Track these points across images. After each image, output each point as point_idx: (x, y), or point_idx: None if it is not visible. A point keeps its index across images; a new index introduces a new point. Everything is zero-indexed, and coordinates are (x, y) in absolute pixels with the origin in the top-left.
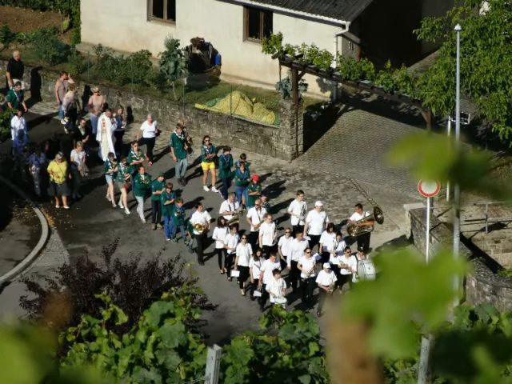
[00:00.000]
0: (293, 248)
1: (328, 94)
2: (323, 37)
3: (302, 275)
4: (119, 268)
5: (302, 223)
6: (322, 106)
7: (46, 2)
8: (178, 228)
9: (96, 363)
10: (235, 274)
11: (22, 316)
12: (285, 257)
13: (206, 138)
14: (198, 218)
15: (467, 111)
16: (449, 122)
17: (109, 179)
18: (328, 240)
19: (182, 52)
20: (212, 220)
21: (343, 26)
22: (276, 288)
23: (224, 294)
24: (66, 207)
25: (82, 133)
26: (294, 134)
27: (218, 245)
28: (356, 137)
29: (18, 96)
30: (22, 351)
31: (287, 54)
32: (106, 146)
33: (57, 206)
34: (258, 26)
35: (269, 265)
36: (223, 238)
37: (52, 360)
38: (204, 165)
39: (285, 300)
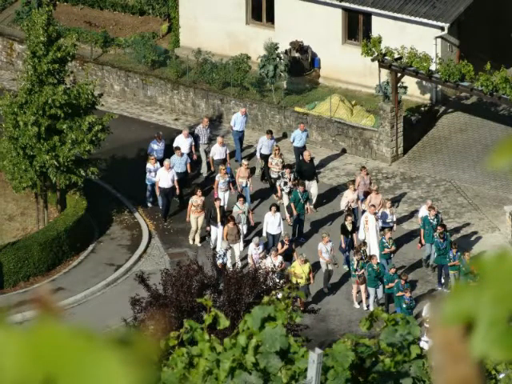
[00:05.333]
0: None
1: (428, 96)
2: (422, 39)
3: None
4: (223, 272)
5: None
6: (422, 109)
7: (145, 6)
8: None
9: (198, 367)
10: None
11: (126, 318)
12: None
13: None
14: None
15: None
16: None
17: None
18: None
19: (282, 55)
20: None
21: (442, 28)
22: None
23: (325, 297)
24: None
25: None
26: (394, 137)
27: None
28: (456, 139)
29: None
30: (124, 359)
31: (386, 57)
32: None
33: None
34: (356, 28)
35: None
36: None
37: (154, 366)
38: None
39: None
